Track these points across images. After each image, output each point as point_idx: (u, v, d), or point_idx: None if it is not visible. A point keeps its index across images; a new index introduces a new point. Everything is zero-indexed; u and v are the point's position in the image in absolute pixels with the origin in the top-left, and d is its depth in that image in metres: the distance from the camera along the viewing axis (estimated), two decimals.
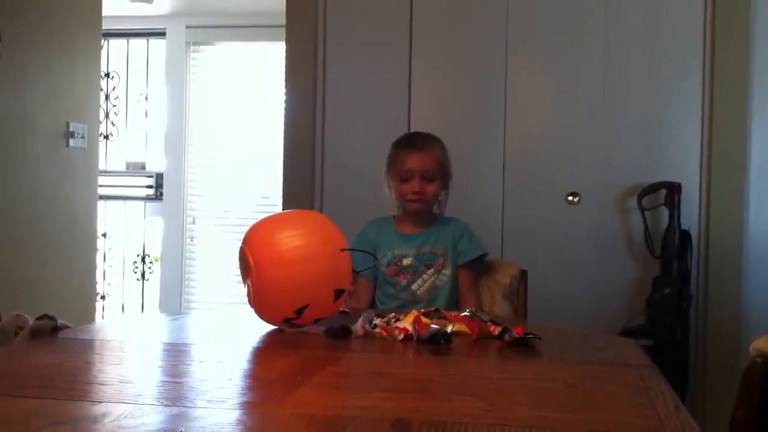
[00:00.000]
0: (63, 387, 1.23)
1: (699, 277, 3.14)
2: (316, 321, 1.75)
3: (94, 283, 4.49)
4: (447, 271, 2.43)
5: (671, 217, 3.07)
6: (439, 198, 2.48)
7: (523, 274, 2.53)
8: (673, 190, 3.08)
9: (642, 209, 3.12)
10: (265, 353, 1.64)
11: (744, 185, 3.13)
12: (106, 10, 4.37)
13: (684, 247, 3.07)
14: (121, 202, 5.70)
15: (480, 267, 2.51)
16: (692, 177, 3.15)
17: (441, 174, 2.44)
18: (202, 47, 5.52)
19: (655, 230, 3.12)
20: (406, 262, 2.43)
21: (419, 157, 2.40)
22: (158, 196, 5.58)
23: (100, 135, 4.88)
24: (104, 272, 5.58)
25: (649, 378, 1.35)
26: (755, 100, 3.12)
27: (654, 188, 3.12)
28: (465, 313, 1.81)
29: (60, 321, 1.67)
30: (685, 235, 3.08)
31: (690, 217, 3.12)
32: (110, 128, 5.66)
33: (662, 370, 1.42)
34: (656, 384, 1.30)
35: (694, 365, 3.12)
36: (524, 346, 1.60)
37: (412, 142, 2.48)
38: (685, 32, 3.17)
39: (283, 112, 3.49)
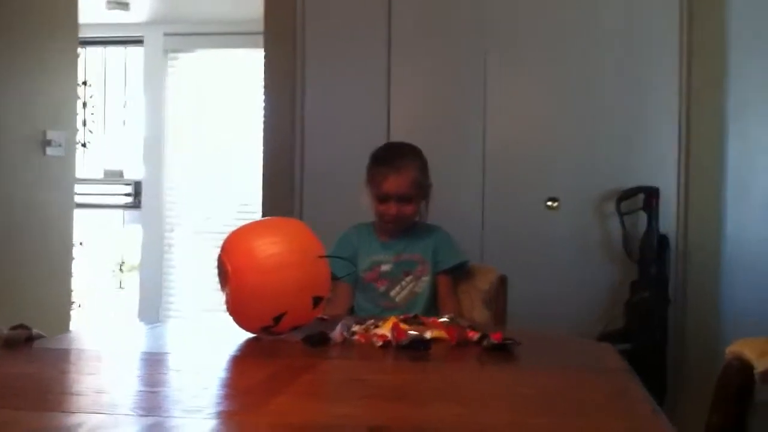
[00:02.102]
0: (37, 397, 1.21)
1: (677, 281, 3.16)
2: (294, 329, 1.74)
3: (70, 291, 4.44)
4: (426, 278, 2.43)
5: (649, 221, 3.09)
6: (419, 210, 2.48)
7: (503, 280, 2.53)
8: (651, 194, 3.10)
9: (620, 214, 3.13)
10: (242, 361, 1.63)
11: (721, 190, 3.16)
12: (83, 17, 4.34)
13: (662, 252, 3.08)
14: (98, 211, 5.66)
15: (460, 275, 2.51)
16: (670, 182, 3.17)
17: (418, 192, 2.43)
18: (180, 54, 5.49)
19: (633, 235, 3.13)
20: (385, 268, 2.43)
21: (395, 181, 2.38)
22: (136, 204, 5.54)
23: (78, 143, 4.85)
24: (81, 281, 5.54)
25: (627, 382, 1.35)
26: (732, 105, 3.15)
27: (632, 193, 3.13)
28: (444, 319, 1.80)
29: (35, 330, 1.65)
30: (663, 240, 3.09)
31: (668, 221, 3.14)
32: (88, 136, 5.62)
33: (640, 374, 1.42)
34: (634, 388, 1.30)
35: (672, 369, 3.13)
36: (503, 351, 1.60)
37: (389, 159, 2.44)
38: (662, 38, 3.19)
39: (262, 119, 3.48)
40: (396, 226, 2.44)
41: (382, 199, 2.40)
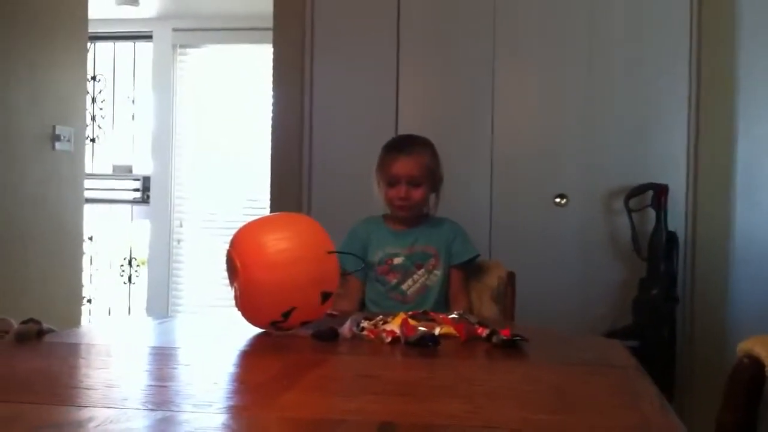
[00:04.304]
0: (48, 391, 1.22)
1: (685, 278, 3.15)
2: (303, 324, 1.74)
3: (80, 286, 4.46)
4: (438, 272, 2.43)
5: (658, 218, 3.07)
6: (429, 201, 2.48)
7: (511, 276, 2.53)
8: (660, 191, 3.08)
9: (629, 211, 3.12)
10: (252, 356, 1.64)
11: (731, 187, 3.14)
12: (93, 13, 4.35)
13: (670, 249, 3.07)
14: (107, 206, 5.68)
15: (471, 268, 2.51)
16: (679, 179, 3.15)
17: (428, 179, 2.44)
18: (189, 50, 5.50)
19: (641, 232, 3.12)
20: (397, 261, 2.43)
21: (406, 163, 2.40)
22: (145, 199, 5.55)
23: (87, 138, 4.86)
24: (91, 276, 5.55)
25: (636, 379, 1.35)
26: (742, 102, 3.13)
27: (641, 190, 3.12)
28: (453, 315, 1.81)
29: (45, 325, 1.66)
30: (672, 237, 3.08)
31: (677, 218, 3.13)
32: (97, 131, 5.64)
33: (649, 371, 1.42)
34: (643, 385, 1.30)
35: (681, 366, 3.13)
36: (512, 348, 1.60)
37: (400, 146, 2.48)
38: (672, 34, 3.18)
39: (271, 114, 3.48)
40: (405, 211, 2.44)
41: (392, 182, 2.41)
